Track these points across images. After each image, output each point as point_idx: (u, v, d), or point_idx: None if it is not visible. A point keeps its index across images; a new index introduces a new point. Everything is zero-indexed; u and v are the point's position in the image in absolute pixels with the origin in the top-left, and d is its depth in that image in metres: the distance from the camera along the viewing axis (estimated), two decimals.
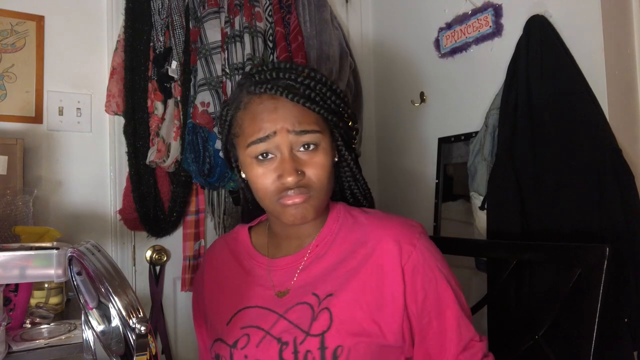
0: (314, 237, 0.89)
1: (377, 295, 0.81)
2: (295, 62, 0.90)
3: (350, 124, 0.90)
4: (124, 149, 1.66)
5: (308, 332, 0.79)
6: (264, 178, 0.82)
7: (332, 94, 0.86)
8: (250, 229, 1.01)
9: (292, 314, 0.83)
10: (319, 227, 0.90)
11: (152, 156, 1.61)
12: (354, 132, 0.92)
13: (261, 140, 0.81)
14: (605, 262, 0.88)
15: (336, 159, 0.89)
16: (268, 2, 1.82)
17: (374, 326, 0.79)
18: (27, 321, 1.17)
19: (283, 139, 0.80)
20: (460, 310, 0.82)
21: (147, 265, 1.77)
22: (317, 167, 0.82)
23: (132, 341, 0.57)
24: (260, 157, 0.82)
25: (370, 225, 0.87)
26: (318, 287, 0.83)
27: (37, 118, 1.61)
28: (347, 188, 0.95)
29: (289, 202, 0.81)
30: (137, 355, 0.56)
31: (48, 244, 1.06)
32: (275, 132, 0.80)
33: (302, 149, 0.81)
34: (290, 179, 0.79)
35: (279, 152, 0.81)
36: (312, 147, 0.81)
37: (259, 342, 0.83)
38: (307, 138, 0.81)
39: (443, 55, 1.77)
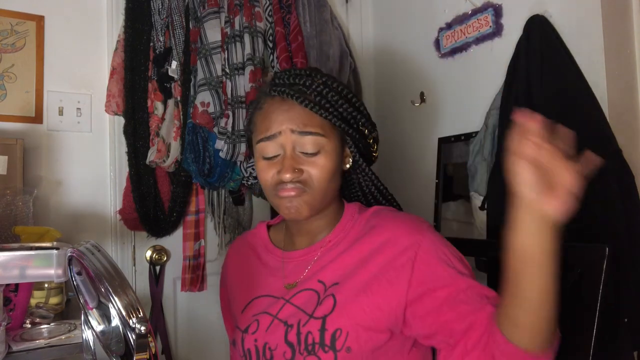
0: (327, 234, 0.93)
1: (384, 283, 0.82)
2: (314, 67, 0.97)
3: (366, 132, 0.93)
4: (124, 149, 1.66)
5: (312, 315, 0.84)
6: (265, 172, 0.89)
7: (345, 102, 0.88)
8: (270, 226, 1.07)
9: (298, 299, 0.88)
10: (332, 224, 0.94)
11: (152, 156, 1.61)
12: (371, 141, 0.96)
13: (267, 138, 0.87)
14: (605, 262, 0.88)
15: (348, 166, 0.94)
16: (268, 2, 1.82)
17: (377, 312, 0.81)
18: (27, 321, 1.17)
19: (287, 138, 0.86)
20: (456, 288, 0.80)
21: (147, 265, 1.77)
22: (316, 168, 0.86)
23: (132, 341, 0.57)
24: (266, 156, 0.89)
25: (382, 221, 0.89)
26: (325, 275, 0.88)
27: (37, 118, 1.61)
28: (369, 194, 0.99)
29: (284, 194, 0.86)
30: (137, 355, 0.56)
31: (48, 244, 1.06)
32: (280, 132, 0.86)
33: (305, 150, 0.86)
34: (287, 176, 0.84)
35: (282, 150, 0.87)
36: (314, 150, 0.85)
37: (267, 327, 0.89)
38: (309, 139, 0.85)
39: (443, 55, 1.77)
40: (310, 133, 0.85)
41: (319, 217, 0.93)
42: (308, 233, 0.96)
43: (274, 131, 0.87)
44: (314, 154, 0.86)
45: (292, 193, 0.86)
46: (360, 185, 0.99)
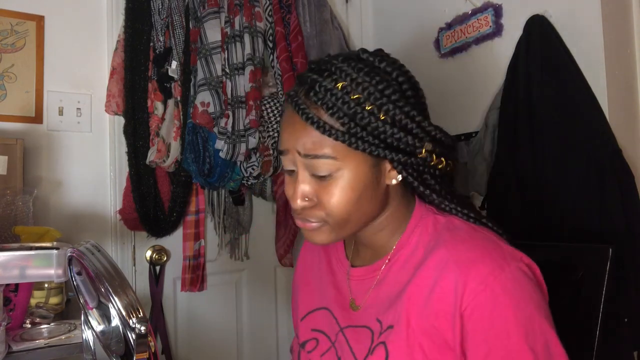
0: (391, 248, 0.78)
1: (438, 335, 0.68)
2: (348, 57, 0.73)
3: (407, 149, 0.71)
4: (124, 149, 1.66)
5: None
6: (287, 188, 0.76)
7: (369, 115, 0.68)
8: None
9: (353, 333, 0.77)
10: (396, 235, 0.78)
11: (152, 156, 1.61)
12: (425, 153, 0.72)
13: (281, 153, 0.75)
14: (608, 264, 0.87)
15: (394, 182, 0.74)
16: (268, 2, 1.83)
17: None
18: (27, 321, 1.17)
19: (294, 159, 0.72)
20: None
21: (147, 265, 1.77)
22: (329, 196, 0.70)
23: (132, 341, 0.57)
24: (285, 168, 0.77)
25: (446, 247, 0.70)
26: (384, 312, 0.74)
27: (37, 118, 1.61)
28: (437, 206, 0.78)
29: (301, 225, 0.75)
30: (137, 355, 0.56)
31: (48, 244, 1.06)
32: (288, 151, 0.72)
33: (317, 173, 0.71)
34: (296, 203, 0.72)
35: (296, 168, 0.73)
36: (325, 173, 0.70)
37: (324, 353, 0.81)
38: (316, 164, 0.69)
39: (443, 55, 1.77)
40: (317, 156, 0.69)
41: (373, 230, 0.78)
42: (371, 245, 0.81)
43: (283, 148, 0.73)
44: (326, 178, 0.70)
45: (307, 227, 0.74)
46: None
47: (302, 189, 0.72)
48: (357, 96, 0.68)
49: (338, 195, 0.70)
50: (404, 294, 0.72)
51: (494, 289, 0.65)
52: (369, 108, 0.68)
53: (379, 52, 0.75)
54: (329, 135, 0.68)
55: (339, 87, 0.68)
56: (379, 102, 0.68)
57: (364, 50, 0.74)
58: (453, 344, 0.67)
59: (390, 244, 0.78)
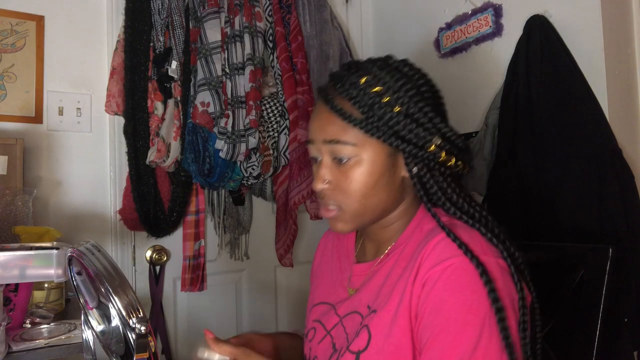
0: (393, 242, 0.83)
1: (412, 314, 0.73)
2: (375, 59, 0.80)
3: (416, 141, 0.75)
4: (124, 149, 1.66)
5: (348, 346, 0.78)
6: (313, 175, 0.84)
7: (383, 107, 0.74)
8: None
9: (347, 321, 0.83)
10: (399, 232, 0.83)
11: (152, 156, 1.61)
12: (433, 148, 0.76)
13: (308, 142, 0.83)
14: (609, 263, 0.88)
15: (407, 174, 0.79)
16: (268, 2, 1.83)
17: (409, 346, 0.72)
18: (27, 321, 1.17)
19: (319, 146, 0.80)
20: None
21: (147, 265, 1.77)
22: (349, 181, 0.77)
23: (132, 341, 0.57)
24: (310, 156, 0.84)
25: (426, 239, 0.75)
26: (372, 298, 0.80)
27: (37, 118, 1.61)
28: (442, 206, 0.80)
29: (324, 214, 0.82)
30: (137, 355, 0.56)
31: (48, 244, 1.06)
32: (314, 141, 0.81)
33: (339, 156, 0.78)
34: (316, 186, 0.80)
35: (320, 155, 0.81)
36: (345, 159, 0.77)
37: (320, 340, 0.86)
38: (337, 149, 0.77)
39: (443, 55, 1.77)
40: (338, 142, 0.77)
41: (383, 224, 0.83)
42: (375, 241, 0.87)
43: (310, 137, 0.81)
44: (347, 165, 0.77)
45: (329, 214, 0.81)
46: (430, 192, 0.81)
47: (323, 173, 0.79)
48: (377, 89, 0.75)
49: (356, 180, 0.77)
50: (391, 282, 0.77)
51: (449, 267, 0.70)
52: (386, 100, 0.74)
53: (405, 60, 0.81)
54: (349, 122, 0.75)
55: (362, 81, 0.75)
56: (395, 95, 0.75)
57: (390, 57, 0.81)
58: (417, 312, 0.72)
59: (392, 239, 0.83)
